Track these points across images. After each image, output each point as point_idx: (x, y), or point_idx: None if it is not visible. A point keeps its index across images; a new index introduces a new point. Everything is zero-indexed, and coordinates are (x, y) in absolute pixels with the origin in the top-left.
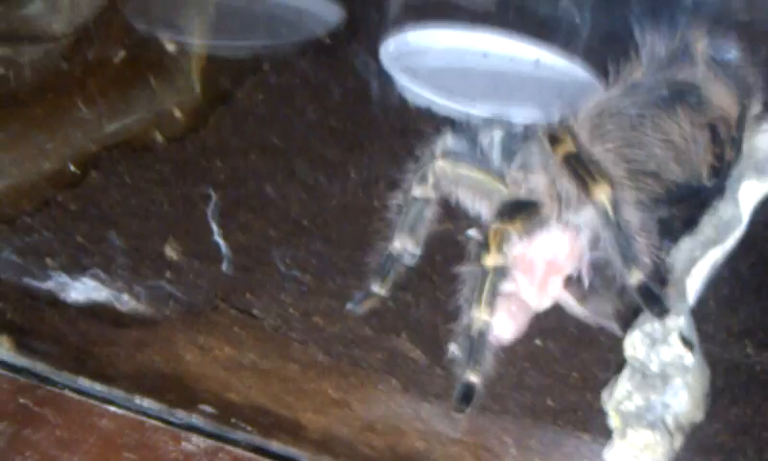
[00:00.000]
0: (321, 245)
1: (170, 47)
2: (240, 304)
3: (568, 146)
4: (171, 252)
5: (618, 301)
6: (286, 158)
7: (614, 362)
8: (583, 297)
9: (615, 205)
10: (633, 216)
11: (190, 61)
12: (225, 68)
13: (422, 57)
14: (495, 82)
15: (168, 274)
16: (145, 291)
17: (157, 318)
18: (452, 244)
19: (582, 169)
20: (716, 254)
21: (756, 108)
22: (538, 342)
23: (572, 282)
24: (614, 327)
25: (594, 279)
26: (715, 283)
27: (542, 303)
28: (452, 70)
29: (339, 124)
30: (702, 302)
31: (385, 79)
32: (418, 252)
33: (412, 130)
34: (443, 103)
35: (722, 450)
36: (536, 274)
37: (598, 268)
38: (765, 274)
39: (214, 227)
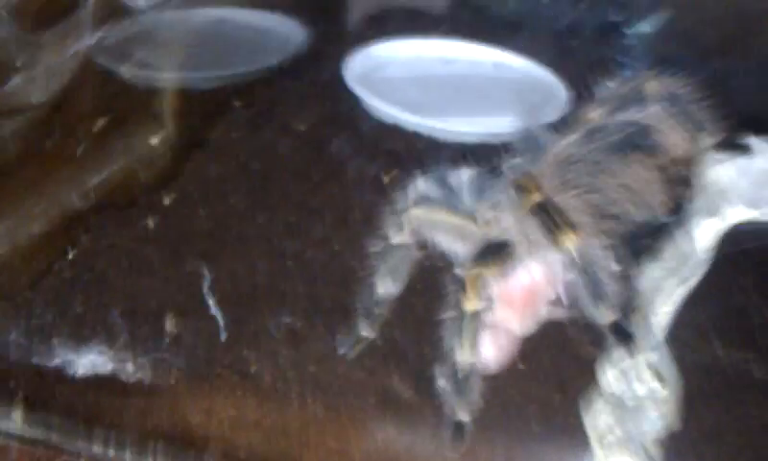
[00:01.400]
0: (307, 287)
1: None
2: (238, 366)
3: (535, 196)
4: (169, 324)
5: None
6: (264, 199)
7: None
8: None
9: (582, 252)
10: (599, 259)
11: (163, 103)
12: (196, 106)
13: (385, 70)
14: (458, 88)
15: (167, 343)
16: (147, 361)
17: (161, 386)
18: (432, 278)
19: (548, 219)
20: (681, 292)
21: (707, 142)
22: (521, 366)
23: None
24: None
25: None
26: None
27: (526, 329)
28: (415, 80)
29: (312, 154)
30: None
31: (352, 99)
32: (401, 288)
33: (383, 150)
34: (408, 119)
35: (698, 456)
36: (516, 304)
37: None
38: (731, 275)
39: (209, 300)
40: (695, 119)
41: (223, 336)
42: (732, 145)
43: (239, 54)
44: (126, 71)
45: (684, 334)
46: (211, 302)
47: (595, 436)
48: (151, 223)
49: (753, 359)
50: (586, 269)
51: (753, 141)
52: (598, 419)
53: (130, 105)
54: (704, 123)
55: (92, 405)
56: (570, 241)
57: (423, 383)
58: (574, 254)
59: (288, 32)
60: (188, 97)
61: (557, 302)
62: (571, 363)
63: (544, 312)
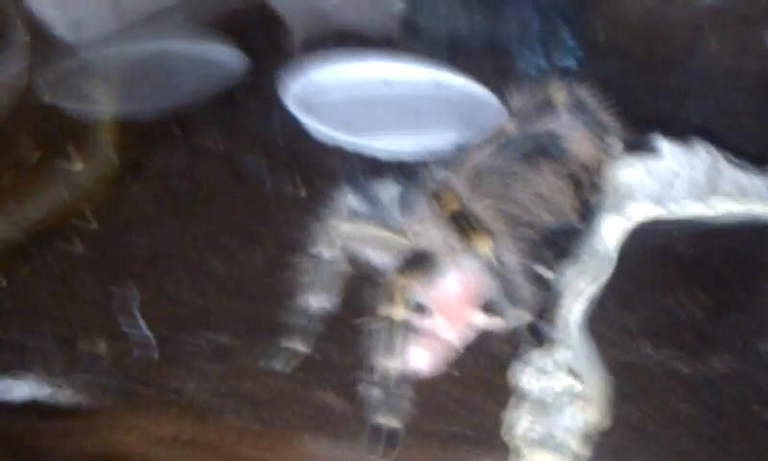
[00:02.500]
0: (244, 307)
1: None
2: (173, 384)
3: (451, 204)
4: (102, 343)
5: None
6: (198, 223)
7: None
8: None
9: (497, 256)
10: (514, 262)
11: (101, 132)
12: (135, 135)
13: (326, 94)
14: (399, 108)
15: (102, 363)
16: (82, 383)
17: (97, 409)
18: (362, 290)
19: (465, 224)
20: (590, 290)
21: (614, 145)
22: (451, 371)
23: (488, 307)
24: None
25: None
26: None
27: (463, 338)
28: (356, 103)
29: (251, 178)
30: (600, 305)
31: (292, 123)
32: (333, 302)
33: (323, 172)
34: (349, 140)
35: (626, 455)
36: (450, 310)
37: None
38: (658, 276)
39: (140, 319)
40: (602, 124)
41: (155, 356)
42: (639, 146)
43: (179, 84)
44: (66, 105)
45: (611, 334)
46: (142, 323)
47: (520, 435)
48: (85, 249)
49: (680, 356)
50: (501, 272)
51: (659, 143)
52: (520, 419)
53: (68, 136)
54: (610, 127)
55: (30, 433)
56: (485, 245)
57: (356, 395)
58: (490, 257)
59: (227, 60)
60: (127, 126)
61: (487, 309)
62: (499, 367)
63: (479, 321)
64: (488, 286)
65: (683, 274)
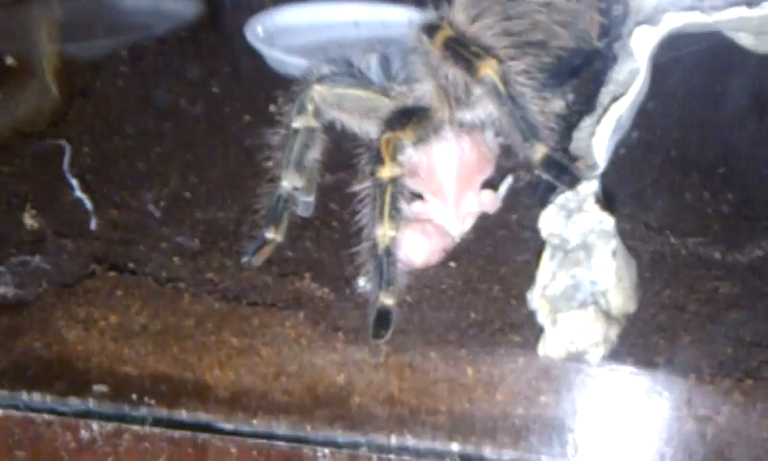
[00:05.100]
0: (204, 212)
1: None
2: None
3: (446, 31)
4: (31, 220)
5: None
6: (159, 137)
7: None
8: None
9: (504, 77)
10: (525, 87)
11: (44, 67)
12: (82, 66)
13: (292, 35)
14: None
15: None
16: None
17: (29, 298)
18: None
19: (463, 50)
20: (619, 109)
21: None
22: (452, 264)
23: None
24: None
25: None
26: (630, 180)
27: (463, 225)
28: (325, 44)
29: (211, 99)
30: (619, 201)
31: (254, 57)
32: (312, 198)
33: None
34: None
35: (661, 328)
36: (448, 193)
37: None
38: (677, 169)
39: (73, 182)
40: None
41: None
42: None
43: (128, 27)
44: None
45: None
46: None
47: (538, 292)
48: (32, 162)
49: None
50: (511, 98)
51: None
52: (540, 268)
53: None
54: None
55: None
56: (489, 67)
57: (340, 282)
58: (496, 80)
59: (182, 8)
60: (74, 60)
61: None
62: (508, 260)
63: (477, 199)
64: (488, 153)
65: None
